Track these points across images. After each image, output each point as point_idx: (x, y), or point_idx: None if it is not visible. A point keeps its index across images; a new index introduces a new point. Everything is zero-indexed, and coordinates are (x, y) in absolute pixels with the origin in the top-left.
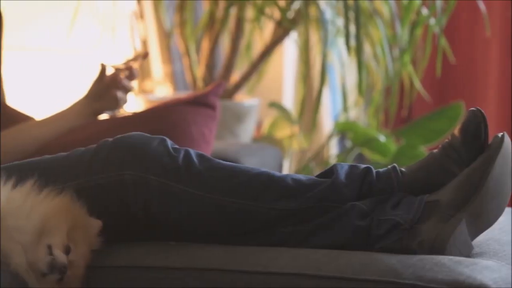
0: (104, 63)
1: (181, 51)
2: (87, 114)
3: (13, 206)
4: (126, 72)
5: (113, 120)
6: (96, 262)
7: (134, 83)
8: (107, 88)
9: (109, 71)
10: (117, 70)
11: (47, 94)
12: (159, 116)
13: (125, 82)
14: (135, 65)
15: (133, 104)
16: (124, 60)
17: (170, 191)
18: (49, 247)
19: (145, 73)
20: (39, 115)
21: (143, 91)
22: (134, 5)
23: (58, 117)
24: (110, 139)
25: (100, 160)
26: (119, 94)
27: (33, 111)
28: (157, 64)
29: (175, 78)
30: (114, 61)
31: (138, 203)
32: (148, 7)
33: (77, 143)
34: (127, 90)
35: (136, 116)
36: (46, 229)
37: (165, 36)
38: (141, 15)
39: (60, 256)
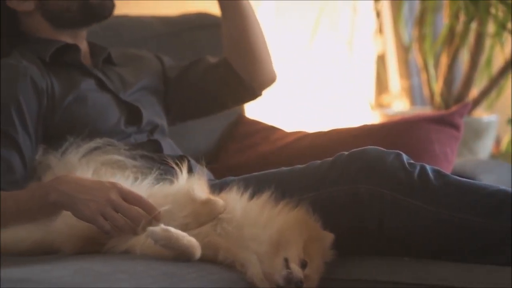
0: None
1: (419, 65)
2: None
3: (250, 217)
4: None
5: (349, 131)
6: (328, 274)
7: None
8: None
9: None
10: None
11: (287, 102)
12: (401, 130)
13: None
14: None
15: (370, 117)
16: None
17: (403, 205)
18: (286, 260)
19: (382, 87)
20: (279, 123)
21: (380, 105)
22: (373, 19)
23: None
24: (346, 153)
25: (335, 173)
26: None
27: (273, 120)
28: (394, 78)
29: (412, 93)
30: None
31: (372, 216)
32: (387, 21)
33: (310, 150)
34: None
35: (375, 129)
36: (283, 242)
37: (403, 51)
38: (380, 30)
39: (296, 270)
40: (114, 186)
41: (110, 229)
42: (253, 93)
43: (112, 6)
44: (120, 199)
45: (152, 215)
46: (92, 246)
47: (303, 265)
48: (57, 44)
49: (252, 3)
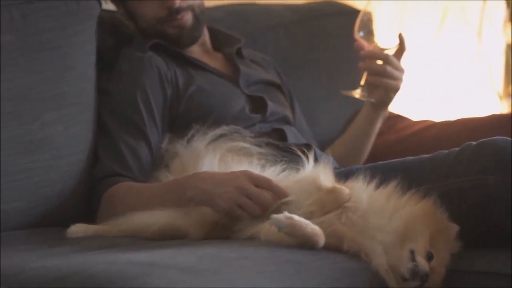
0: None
1: None
2: (369, 114)
3: (375, 206)
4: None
5: (477, 121)
6: (452, 265)
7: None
8: (375, 78)
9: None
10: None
11: (415, 92)
12: None
13: (390, 69)
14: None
15: (499, 107)
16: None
17: None
18: (412, 253)
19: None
20: (406, 112)
21: (508, 95)
22: (503, 9)
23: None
24: (474, 142)
25: (462, 163)
26: (388, 81)
27: (400, 109)
28: None
29: None
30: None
31: (500, 208)
32: None
33: (437, 139)
34: (393, 77)
35: (503, 119)
36: (409, 233)
37: None
38: (510, 18)
39: (422, 263)
40: (244, 174)
41: (247, 217)
42: None
43: (194, 38)
44: (251, 186)
45: (282, 198)
46: (219, 232)
47: (429, 257)
48: (150, 42)
49: None
